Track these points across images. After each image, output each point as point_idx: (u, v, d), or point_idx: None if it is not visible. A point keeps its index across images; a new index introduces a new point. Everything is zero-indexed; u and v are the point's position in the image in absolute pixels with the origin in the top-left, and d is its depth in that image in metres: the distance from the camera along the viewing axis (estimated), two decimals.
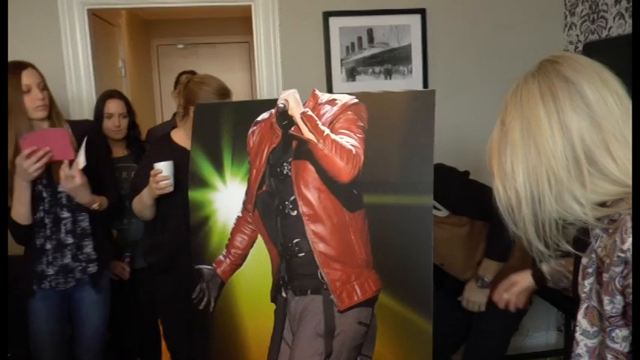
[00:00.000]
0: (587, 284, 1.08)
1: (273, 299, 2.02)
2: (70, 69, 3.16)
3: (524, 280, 1.82)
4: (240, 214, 2.06)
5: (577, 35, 3.21)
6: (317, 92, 2.01)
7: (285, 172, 1.97)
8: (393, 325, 1.88)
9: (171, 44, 6.40)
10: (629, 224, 0.97)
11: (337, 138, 1.92)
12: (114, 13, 4.11)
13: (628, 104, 1.04)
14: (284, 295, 1.99)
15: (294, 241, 1.95)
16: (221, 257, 2.07)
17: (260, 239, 2.03)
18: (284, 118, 1.98)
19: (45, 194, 2.27)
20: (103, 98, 2.93)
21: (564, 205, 1.03)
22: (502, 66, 3.33)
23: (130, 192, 2.46)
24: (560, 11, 3.35)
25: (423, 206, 1.85)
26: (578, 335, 1.09)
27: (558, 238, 1.07)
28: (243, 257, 2.05)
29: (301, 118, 1.94)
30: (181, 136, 2.43)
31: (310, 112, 1.94)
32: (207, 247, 2.09)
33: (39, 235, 2.28)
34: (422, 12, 3.29)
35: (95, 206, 2.31)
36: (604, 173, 1.01)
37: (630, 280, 0.97)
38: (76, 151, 2.21)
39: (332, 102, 1.97)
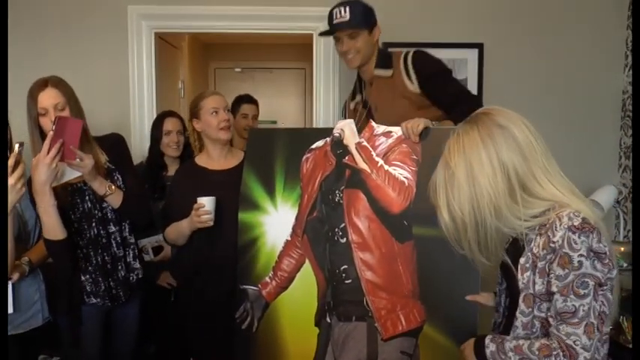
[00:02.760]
0: (525, 277, 1.41)
1: (317, 323, 2.04)
2: (134, 87, 3.31)
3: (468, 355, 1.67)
4: (289, 238, 2.10)
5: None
6: (373, 124, 2.06)
7: (336, 200, 2.00)
8: (435, 358, 1.87)
9: (228, 68, 6.55)
10: (557, 223, 1.34)
11: (390, 169, 1.95)
12: (177, 36, 4.28)
13: (545, 144, 1.42)
14: (328, 320, 2.01)
15: (342, 267, 1.97)
16: (267, 279, 2.11)
17: (307, 264, 2.06)
18: (339, 147, 2.02)
19: (95, 210, 2.28)
20: (161, 117, 3.06)
21: (505, 222, 1.39)
22: (557, 104, 3.29)
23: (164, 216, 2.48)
24: (622, 50, 3.30)
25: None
26: (517, 314, 1.44)
27: (498, 249, 1.47)
28: (289, 280, 2.09)
29: (356, 148, 1.98)
30: (204, 159, 2.48)
31: (365, 143, 1.98)
32: (254, 268, 2.13)
33: (97, 252, 2.28)
34: (479, 46, 3.30)
35: (107, 191, 2.22)
36: (533, 194, 1.39)
37: (554, 265, 1.34)
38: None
39: (387, 134, 2.01)
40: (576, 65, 3.30)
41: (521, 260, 1.42)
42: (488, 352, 1.50)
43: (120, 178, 2.32)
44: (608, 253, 1.34)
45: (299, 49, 5.72)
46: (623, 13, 3.27)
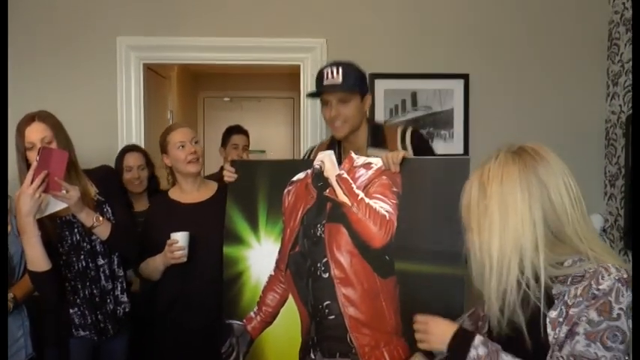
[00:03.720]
0: (557, 332, 1.30)
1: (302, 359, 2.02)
2: (122, 117, 3.32)
3: (438, 343, 1.50)
4: (272, 273, 2.09)
5: (620, 106, 3.20)
6: (353, 155, 2.05)
7: (318, 234, 2.00)
8: None
9: (217, 97, 6.59)
10: (604, 273, 1.26)
11: (371, 203, 1.94)
12: (166, 66, 4.31)
13: (582, 206, 1.35)
14: (312, 356, 2.00)
15: (325, 303, 1.96)
16: (252, 314, 2.10)
17: (291, 299, 2.05)
18: (319, 179, 2.02)
19: (84, 243, 2.27)
20: (122, 152, 3.02)
21: (526, 268, 1.30)
22: (542, 134, 3.31)
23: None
24: (603, 80, 3.35)
25: (454, 277, 1.85)
26: None
27: (516, 305, 1.33)
28: (273, 315, 2.07)
29: (336, 180, 1.98)
30: (177, 193, 2.47)
31: (345, 175, 1.98)
32: (239, 303, 2.12)
33: (85, 285, 2.27)
34: (465, 77, 3.34)
35: (95, 223, 2.20)
36: (559, 249, 1.32)
37: (590, 310, 1.25)
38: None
39: (367, 165, 2.01)
40: (559, 95, 3.35)
41: (552, 314, 1.31)
42: (473, 354, 1.37)
43: (110, 210, 2.32)
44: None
45: (287, 78, 5.77)
46: (604, 44, 3.33)
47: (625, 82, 3.15)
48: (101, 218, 2.22)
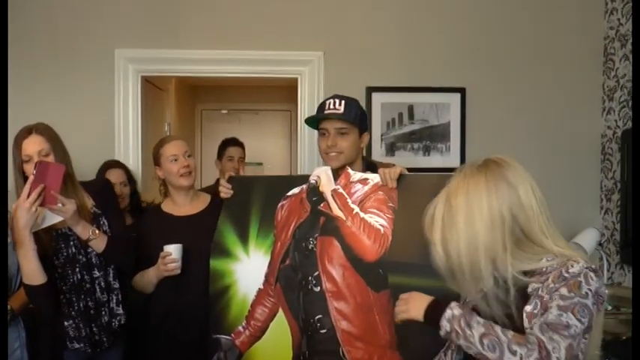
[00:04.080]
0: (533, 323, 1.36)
1: None
2: (120, 130, 3.33)
3: (416, 310, 1.57)
4: (261, 287, 2.08)
5: (615, 121, 3.20)
6: (349, 170, 2.05)
7: (310, 247, 1.99)
8: None
9: (215, 109, 6.60)
10: (574, 263, 1.36)
11: (366, 217, 1.94)
12: (164, 78, 4.31)
13: (546, 208, 1.44)
14: None
15: (316, 317, 1.95)
16: (240, 328, 2.08)
17: (281, 313, 2.04)
18: (315, 194, 2.02)
19: (79, 255, 2.26)
20: (103, 169, 2.97)
21: (498, 270, 1.38)
22: (538, 148, 3.33)
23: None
24: (599, 95, 3.36)
25: (448, 290, 1.83)
26: None
27: (496, 299, 1.41)
28: (262, 330, 2.06)
29: (332, 195, 1.97)
30: (169, 205, 2.47)
31: (341, 190, 1.98)
32: (227, 317, 2.10)
33: (80, 297, 2.25)
34: (462, 91, 3.35)
35: (91, 236, 2.19)
36: (529, 250, 1.40)
37: (562, 288, 1.34)
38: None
39: (363, 181, 2.01)
40: (555, 110, 3.36)
41: (528, 308, 1.39)
42: (448, 313, 1.45)
43: (106, 223, 2.31)
44: (602, 300, 1.40)
45: (285, 91, 5.78)
46: (599, 59, 3.34)
47: (620, 97, 3.16)
48: (97, 231, 2.21)
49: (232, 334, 2.09)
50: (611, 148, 3.25)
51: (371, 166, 2.29)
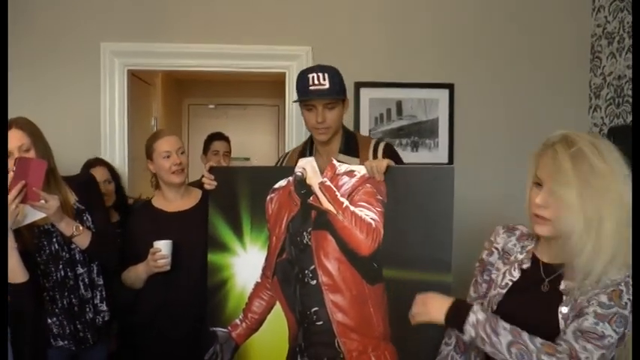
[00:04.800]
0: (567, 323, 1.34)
1: None
2: (105, 124, 3.29)
3: (436, 313, 1.49)
4: (259, 280, 2.08)
5: (602, 118, 3.24)
6: (335, 162, 2.04)
7: (305, 242, 1.99)
8: None
9: (202, 104, 6.57)
10: (616, 269, 1.30)
11: (357, 210, 1.94)
12: (150, 72, 4.28)
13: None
14: None
15: (313, 309, 1.96)
16: (237, 321, 2.08)
17: (278, 305, 2.04)
18: (302, 186, 2.01)
19: (63, 252, 2.23)
20: (87, 167, 2.93)
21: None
22: (527, 144, 3.33)
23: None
24: (585, 93, 3.39)
25: (441, 284, 1.85)
26: None
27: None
28: (259, 322, 2.06)
29: (320, 188, 1.97)
30: (160, 201, 2.45)
31: (329, 183, 1.98)
32: (224, 310, 2.10)
33: (63, 294, 2.22)
34: (450, 87, 3.37)
35: (75, 232, 2.16)
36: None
37: (601, 295, 1.31)
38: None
39: (350, 173, 2.00)
40: (543, 106, 3.39)
41: (564, 309, 1.37)
42: (472, 319, 1.38)
43: (90, 219, 2.28)
44: None
45: (272, 86, 5.76)
46: (586, 57, 3.38)
47: (607, 95, 3.20)
48: (81, 227, 2.18)
49: (229, 327, 2.08)
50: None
51: (350, 137, 2.30)
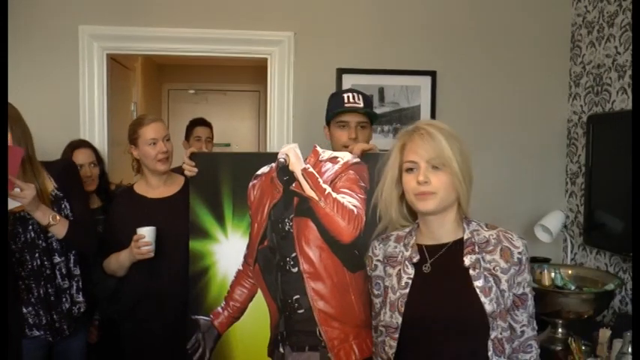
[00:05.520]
0: (492, 295, 1.45)
1: (270, 354, 2.02)
2: (85, 109, 3.23)
3: None
4: (240, 268, 2.06)
5: (581, 106, 3.28)
6: (318, 148, 2.04)
7: (286, 229, 1.99)
8: None
9: (182, 89, 6.50)
10: (510, 235, 1.52)
11: (339, 197, 1.94)
12: (130, 57, 4.22)
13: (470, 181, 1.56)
14: (281, 350, 1.99)
15: (294, 297, 1.96)
16: (219, 309, 2.07)
17: (260, 293, 2.03)
18: (285, 173, 2.00)
19: (39, 240, 2.20)
20: (70, 149, 2.85)
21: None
22: (507, 132, 3.39)
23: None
24: (566, 81, 3.42)
25: None
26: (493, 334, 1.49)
27: None
28: (241, 310, 2.05)
29: (302, 174, 1.97)
30: (143, 187, 2.43)
31: (311, 169, 1.97)
32: (206, 298, 2.09)
33: (39, 283, 2.19)
34: (432, 74, 3.37)
35: (51, 221, 2.12)
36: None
37: (525, 273, 1.50)
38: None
39: (333, 160, 2.00)
40: (523, 94, 3.41)
41: (478, 283, 1.46)
42: None
43: (68, 207, 2.25)
44: None
45: (253, 71, 5.74)
46: (567, 46, 3.41)
47: (586, 83, 3.23)
48: (58, 217, 2.14)
49: (211, 315, 2.07)
50: (576, 132, 3.33)
51: None
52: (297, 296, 1.95)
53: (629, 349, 1.95)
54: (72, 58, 3.19)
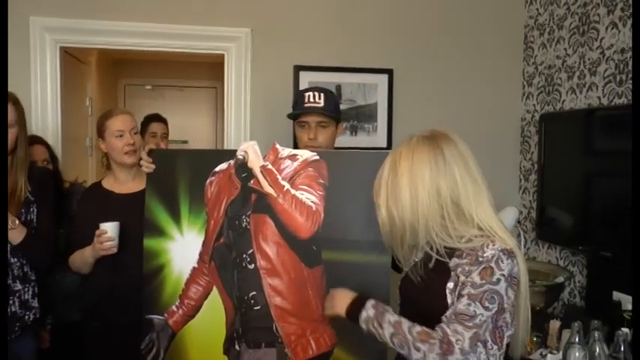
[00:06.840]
0: (453, 299, 1.45)
1: (226, 352, 2.00)
2: (37, 104, 3.13)
3: (340, 307, 1.68)
4: (195, 265, 2.04)
5: (534, 105, 3.36)
6: (277, 146, 2.04)
7: (243, 225, 1.98)
8: None
9: (139, 85, 6.40)
10: (490, 244, 1.44)
11: (297, 194, 1.95)
12: (85, 51, 4.11)
13: (481, 187, 1.56)
14: (237, 347, 1.98)
15: (250, 294, 1.95)
16: (174, 307, 2.04)
17: (215, 291, 2.02)
18: (243, 170, 1.99)
19: None
20: None
21: (432, 237, 1.49)
22: (462, 130, 3.40)
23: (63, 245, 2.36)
24: (519, 81, 3.51)
25: (381, 265, 1.89)
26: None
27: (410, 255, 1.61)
28: (196, 308, 2.03)
29: (261, 171, 1.96)
30: (111, 182, 2.40)
31: (270, 166, 1.97)
32: (160, 297, 2.06)
33: None
34: (389, 72, 3.40)
35: (10, 226, 2.09)
36: (462, 223, 1.49)
37: (474, 274, 1.43)
38: None
39: (293, 157, 2.01)
40: (479, 93, 3.49)
41: (450, 285, 1.48)
42: (363, 315, 1.55)
43: (35, 212, 2.21)
44: (517, 281, 1.48)
45: (210, 67, 5.67)
46: (520, 47, 3.49)
47: (538, 83, 3.32)
48: (17, 222, 2.10)
49: (165, 314, 2.04)
50: (529, 130, 3.41)
51: None
52: (254, 293, 1.95)
53: (577, 339, 2.01)
54: (22, 50, 3.09)
